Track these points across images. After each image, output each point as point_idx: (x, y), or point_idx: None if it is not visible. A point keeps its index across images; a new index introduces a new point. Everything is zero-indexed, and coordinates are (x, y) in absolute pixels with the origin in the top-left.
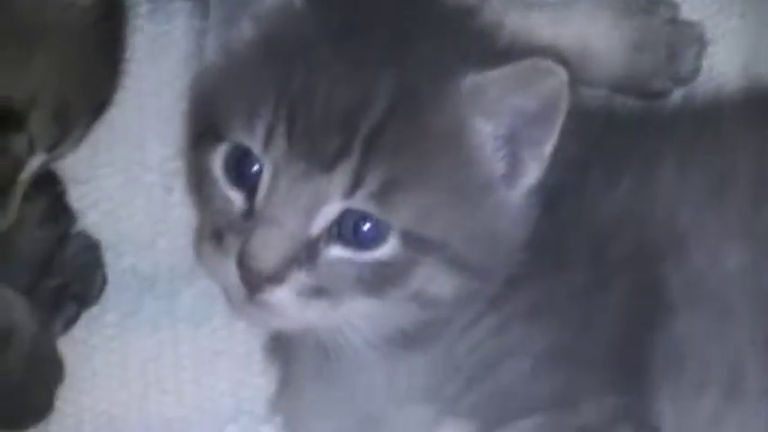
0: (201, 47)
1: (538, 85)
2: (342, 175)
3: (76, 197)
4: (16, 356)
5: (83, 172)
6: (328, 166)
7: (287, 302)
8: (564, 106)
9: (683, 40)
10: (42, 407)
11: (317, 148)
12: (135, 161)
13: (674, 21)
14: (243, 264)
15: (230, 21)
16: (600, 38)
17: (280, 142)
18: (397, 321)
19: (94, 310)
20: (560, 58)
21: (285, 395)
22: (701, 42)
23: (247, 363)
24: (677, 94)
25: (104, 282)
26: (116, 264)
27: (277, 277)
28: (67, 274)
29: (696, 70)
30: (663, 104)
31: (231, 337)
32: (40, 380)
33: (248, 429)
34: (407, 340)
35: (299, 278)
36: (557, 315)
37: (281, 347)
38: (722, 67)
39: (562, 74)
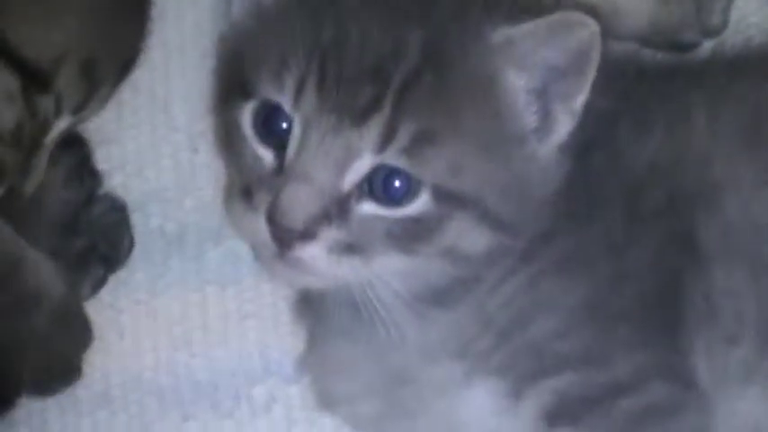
0: (228, 3)
1: (569, 38)
2: (373, 129)
3: (102, 158)
4: (44, 320)
5: (108, 133)
6: (359, 119)
7: (318, 259)
8: (595, 58)
9: (710, 21)
10: (71, 371)
11: (348, 102)
12: (161, 122)
13: None
14: (273, 220)
15: None
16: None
17: (310, 96)
18: (428, 278)
19: (122, 273)
20: (591, 10)
21: (313, 354)
22: None
23: (275, 324)
24: (706, 47)
25: (132, 243)
26: (143, 225)
27: (308, 233)
28: (94, 236)
29: (725, 22)
30: (692, 57)
31: (259, 298)
32: (68, 343)
33: (276, 390)
34: (439, 297)
35: (331, 234)
36: (588, 269)
37: (310, 307)
38: (752, 17)
39: (593, 25)
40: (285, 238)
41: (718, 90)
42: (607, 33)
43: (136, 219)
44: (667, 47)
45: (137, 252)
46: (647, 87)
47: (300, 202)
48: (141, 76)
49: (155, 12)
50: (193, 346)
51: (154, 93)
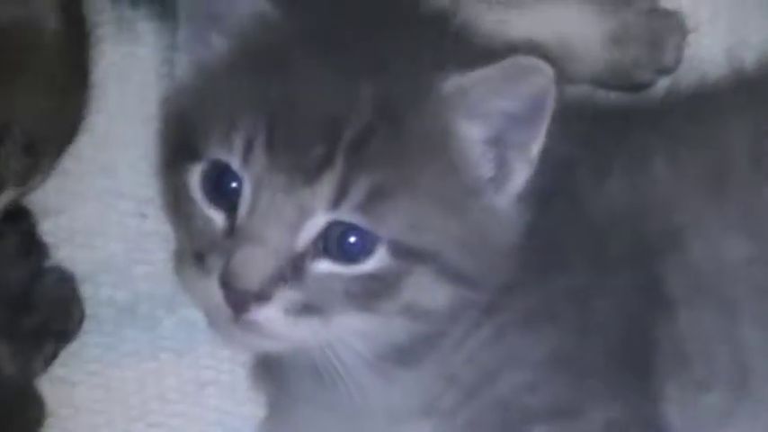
0: (171, 66)
1: (523, 84)
2: (326, 186)
3: (48, 230)
4: None
5: (53, 203)
6: (312, 176)
7: (275, 321)
8: (551, 104)
9: (664, 30)
10: None
11: (299, 159)
12: (106, 189)
13: (653, 10)
14: (227, 283)
15: (201, 37)
16: (578, 33)
17: (259, 155)
18: (390, 336)
19: (74, 345)
20: (544, 54)
21: (274, 422)
22: (682, 31)
23: (234, 391)
24: (661, 85)
25: (82, 315)
26: (93, 296)
27: (263, 295)
28: (44, 311)
29: (678, 60)
30: (647, 96)
31: (216, 365)
32: (22, 423)
33: None
34: (402, 356)
35: (286, 295)
36: (555, 320)
37: (270, 372)
38: (705, 54)
39: (548, 71)
40: (240, 301)
41: (676, 131)
42: (562, 77)
43: (85, 290)
44: (622, 87)
45: (88, 323)
46: (603, 131)
47: (254, 263)
48: (85, 143)
49: (96, 77)
50: (150, 416)
51: (98, 160)
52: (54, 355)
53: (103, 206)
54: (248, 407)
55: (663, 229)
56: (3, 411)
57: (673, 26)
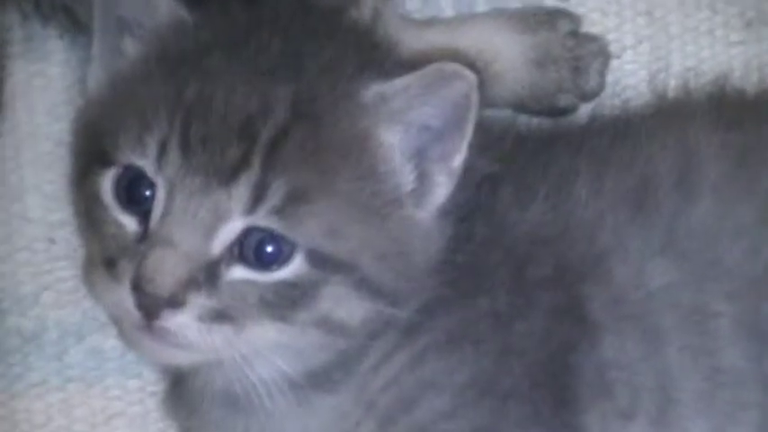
0: (83, 84)
1: (445, 90)
2: (242, 189)
3: None
4: None
5: None
6: (228, 178)
7: (187, 328)
8: (474, 111)
9: (587, 54)
10: None
11: (214, 161)
12: (15, 213)
13: (575, 34)
14: (138, 288)
15: (114, 47)
16: (500, 55)
17: (174, 157)
18: (306, 352)
19: None
20: (468, 63)
21: None
22: (604, 56)
23: (144, 422)
24: (584, 110)
25: None
26: (0, 324)
27: (175, 301)
28: None
29: (601, 85)
30: (570, 121)
31: (126, 395)
32: None
33: None
34: (319, 379)
35: (199, 301)
36: (476, 344)
37: (182, 401)
38: (628, 80)
39: (470, 76)
40: (151, 306)
41: (599, 156)
42: (484, 84)
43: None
44: (544, 111)
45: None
46: (526, 154)
47: (166, 267)
48: None
49: (4, 97)
50: None
51: (6, 182)
52: None
53: (11, 231)
54: None
55: (586, 253)
56: None
57: (596, 51)
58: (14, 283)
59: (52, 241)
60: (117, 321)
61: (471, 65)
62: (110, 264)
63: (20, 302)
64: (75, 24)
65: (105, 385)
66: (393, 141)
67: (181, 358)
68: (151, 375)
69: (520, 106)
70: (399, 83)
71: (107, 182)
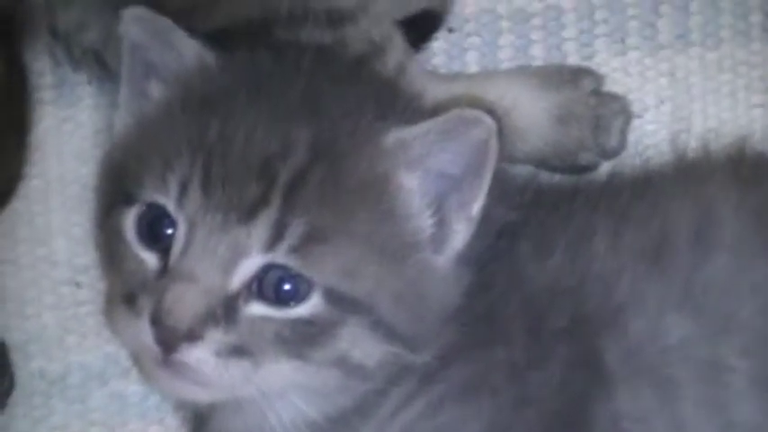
0: (110, 129)
1: (464, 136)
2: (261, 226)
3: None
4: None
5: None
6: (247, 216)
7: (204, 363)
8: (493, 157)
9: (609, 113)
10: None
11: (234, 199)
12: (41, 257)
13: (598, 93)
14: (157, 321)
15: (140, 91)
16: (523, 112)
17: (195, 194)
18: (324, 394)
19: (2, 418)
20: (488, 109)
21: None
22: (626, 115)
23: None
24: (605, 168)
25: (12, 386)
26: (24, 366)
27: (193, 335)
28: None
29: (623, 143)
30: (591, 178)
31: (144, 424)
32: None
33: None
34: (337, 426)
35: (217, 336)
36: (492, 394)
37: None
38: (649, 139)
39: (490, 123)
40: (169, 339)
41: (619, 212)
42: (503, 133)
43: (16, 359)
44: (565, 168)
45: (17, 395)
46: (546, 208)
47: (185, 301)
48: (20, 207)
49: (34, 140)
50: None
51: (33, 225)
52: None
53: (37, 274)
54: None
55: (603, 306)
56: None
57: (618, 110)
58: (39, 326)
59: (78, 285)
60: (136, 358)
61: (491, 112)
62: (130, 299)
63: (44, 346)
64: (104, 69)
65: (127, 429)
66: (412, 186)
67: (199, 395)
68: (172, 422)
69: (541, 162)
70: (419, 128)
71: (129, 219)
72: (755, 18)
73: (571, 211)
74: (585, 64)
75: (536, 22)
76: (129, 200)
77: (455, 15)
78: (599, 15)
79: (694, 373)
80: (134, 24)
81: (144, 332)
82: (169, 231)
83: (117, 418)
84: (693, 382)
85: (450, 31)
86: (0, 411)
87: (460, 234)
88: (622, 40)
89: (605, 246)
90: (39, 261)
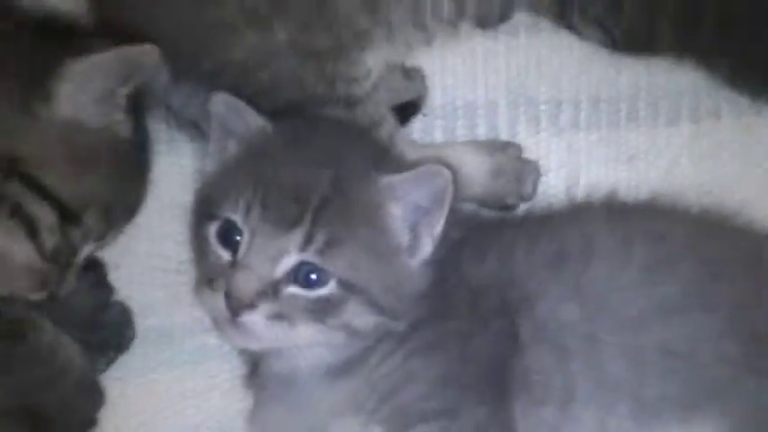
0: (202, 169)
1: (431, 182)
2: (297, 236)
3: (114, 277)
4: (70, 385)
5: (118, 258)
6: (288, 228)
7: (257, 324)
8: (449, 197)
9: (526, 171)
10: (89, 422)
11: (280, 217)
12: (155, 252)
13: (519, 158)
14: (228, 296)
15: (222, 148)
16: (470, 169)
17: (254, 214)
18: (335, 347)
19: (126, 355)
20: (448, 165)
21: (256, 414)
22: (537, 173)
23: (233, 392)
24: (522, 207)
25: (133, 335)
26: (142, 323)
27: (251, 305)
28: (108, 330)
29: (534, 192)
30: (514, 213)
31: (221, 375)
32: (86, 404)
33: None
34: (342, 369)
35: (266, 307)
36: (444, 352)
37: (254, 381)
38: (552, 190)
39: (448, 174)
40: (235, 307)
41: (532, 235)
42: (456, 184)
43: (137, 319)
44: (496, 207)
45: (137, 342)
46: (484, 230)
47: (246, 283)
48: (142, 222)
49: (152, 177)
50: (174, 406)
51: (151, 231)
52: (112, 361)
53: (152, 263)
54: (241, 403)
55: (520, 295)
56: (74, 394)
57: (531, 169)
58: (153, 298)
59: (180, 272)
60: (214, 320)
61: (449, 167)
62: (211, 282)
63: (156, 311)
64: (199, 132)
65: (208, 367)
66: (396, 213)
67: (254, 345)
68: (239, 363)
69: (481, 202)
70: (402, 176)
71: (212, 230)
72: (625, 105)
73: (499, 233)
74: (512, 140)
75: (480, 111)
76: (212, 217)
77: (428, 106)
78: (521, 109)
79: (579, 344)
80: (220, 104)
81: (220, 303)
82: (237, 238)
83: (201, 359)
84: (578, 350)
85: (424, 115)
86: (123, 353)
87: (427, 246)
88: (536, 125)
89: (522, 256)
90: (155, 256)
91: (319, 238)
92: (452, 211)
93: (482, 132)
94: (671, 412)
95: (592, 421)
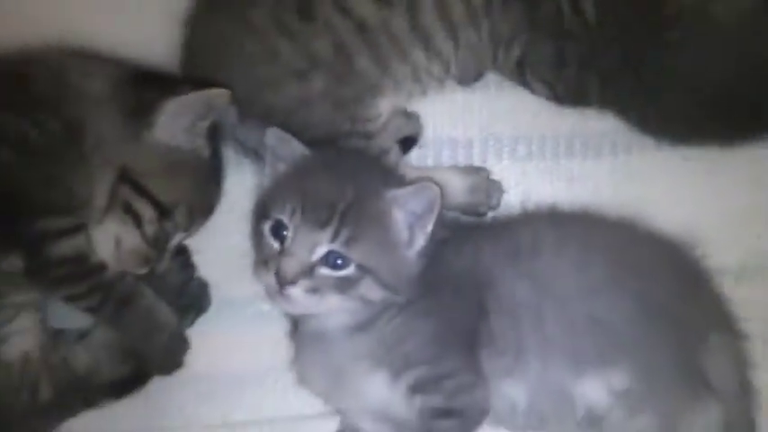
0: (260, 184)
1: (424, 195)
2: (328, 232)
3: (196, 259)
4: (164, 336)
5: (199, 246)
6: (321, 227)
7: (298, 295)
8: (438, 206)
9: (492, 189)
10: (176, 364)
11: (315, 219)
12: (226, 242)
13: (488, 179)
14: (277, 274)
15: (274, 169)
16: (453, 186)
17: (297, 216)
18: (354, 311)
19: (204, 316)
20: (436, 182)
21: (297, 360)
22: (500, 190)
23: (280, 344)
24: (489, 215)
25: (209, 302)
26: (215, 293)
27: (293, 282)
28: (191, 298)
29: (498, 204)
30: (482, 219)
31: (272, 331)
32: (176, 349)
33: (282, 376)
34: (359, 327)
35: (304, 283)
36: (434, 317)
37: (295, 335)
38: (511, 203)
39: (437, 189)
40: (282, 283)
41: (496, 235)
42: (443, 197)
43: (212, 290)
44: (471, 214)
45: (213, 307)
46: (462, 231)
47: (290, 266)
48: (219, 220)
49: (224, 186)
50: (242, 350)
51: (223, 226)
52: (194, 320)
53: (224, 250)
54: (285, 353)
55: (486, 278)
56: (169, 343)
57: (496, 187)
58: (224, 275)
59: (244, 255)
60: (267, 291)
61: (437, 184)
62: (265, 263)
63: (227, 284)
64: (258, 157)
65: (262, 325)
66: (399, 218)
67: (295, 309)
68: (285, 322)
69: (460, 210)
70: (403, 190)
71: (267, 227)
72: (564, 141)
73: (473, 232)
74: (483, 165)
75: (460, 145)
76: (267, 218)
77: (422, 140)
78: (489, 143)
79: (528, 313)
80: (272, 136)
81: (271, 279)
82: (285, 233)
83: (257, 321)
84: (527, 317)
85: (419, 147)
86: (202, 314)
87: (420, 241)
88: (500, 156)
89: (489, 250)
90: (226, 245)
91: (343, 234)
92: (439, 216)
93: (461, 160)
94: (591, 362)
95: (536, 368)
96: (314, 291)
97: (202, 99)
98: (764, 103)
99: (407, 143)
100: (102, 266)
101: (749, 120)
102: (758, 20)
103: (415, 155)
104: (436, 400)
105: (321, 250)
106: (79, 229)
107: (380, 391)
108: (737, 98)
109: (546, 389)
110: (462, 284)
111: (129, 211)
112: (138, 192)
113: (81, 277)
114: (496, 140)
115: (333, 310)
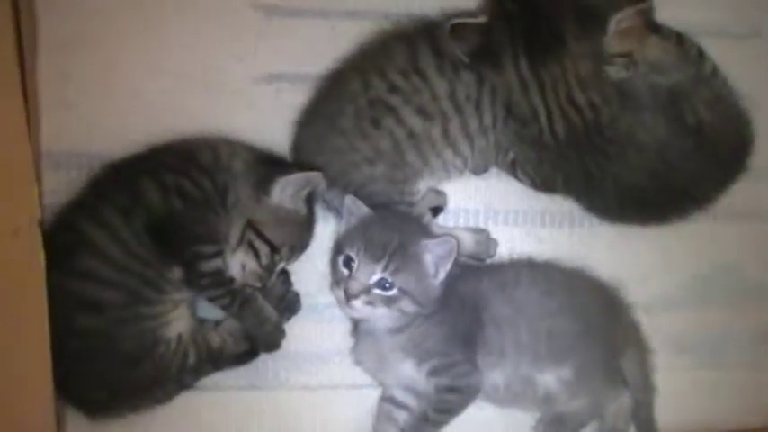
0: (338, 231)
1: (447, 245)
2: (381, 265)
3: (294, 278)
4: (271, 327)
5: (296, 268)
6: (376, 261)
7: (359, 305)
8: (455, 252)
9: (491, 244)
10: (277, 345)
11: (373, 256)
12: (314, 267)
13: (488, 237)
14: (346, 291)
15: (348, 221)
16: (465, 240)
17: (360, 253)
18: (395, 319)
19: (296, 315)
20: (454, 237)
21: (355, 348)
22: (495, 244)
23: (346, 336)
24: (487, 261)
25: (300, 307)
26: (304, 301)
27: (356, 297)
28: (287, 304)
29: (494, 253)
30: (483, 263)
31: (342, 327)
32: (276, 336)
33: (345, 360)
34: (397, 329)
35: (363, 298)
36: (447, 324)
37: (355, 332)
38: (501, 253)
39: (454, 242)
40: (348, 297)
41: (491, 273)
42: (460, 247)
43: (303, 299)
44: (476, 260)
45: (302, 309)
46: (469, 270)
47: (354, 287)
48: (309, 252)
49: (315, 232)
50: (322, 339)
51: (313, 258)
52: (289, 318)
53: (314, 273)
54: (348, 343)
55: (483, 302)
56: (272, 332)
57: (493, 243)
58: (318, 288)
59: (325, 277)
60: (338, 301)
61: (455, 238)
62: (338, 283)
63: (311, 294)
64: (338, 213)
65: (336, 324)
66: (428, 258)
67: (355, 315)
68: (349, 322)
69: (469, 257)
70: (432, 241)
71: (340, 259)
72: (538, 215)
73: (475, 271)
74: (485, 227)
75: (471, 214)
76: (341, 253)
77: (446, 209)
78: (490, 213)
79: (509, 326)
80: (348, 200)
81: (341, 294)
82: (352, 264)
83: (332, 320)
84: (508, 329)
85: (444, 213)
86: (297, 312)
87: (442, 274)
88: (497, 222)
89: (486, 283)
90: (317, 271)
91: (391, 267)
92: (455, 259)
93: (471, 223)
94: (549, 361)
95: (512, 363)
96: (369, 303)
97: (304, 177)
98: (669, 198)
99: (436, 210)
100: (232, 280)
101: (657, 208)
102: (670, 143)
103: (441, 218)
104: (445, 381)
105: (376, 277)
106: (219, 254)
107: (409, 372)
108: (650, 193)
109: (518, 377)
110: (467, 304)
111: (252, 247)
112: (258, 235)
113: (219, 285)
114: (495, 212)
115: (380, 317)
